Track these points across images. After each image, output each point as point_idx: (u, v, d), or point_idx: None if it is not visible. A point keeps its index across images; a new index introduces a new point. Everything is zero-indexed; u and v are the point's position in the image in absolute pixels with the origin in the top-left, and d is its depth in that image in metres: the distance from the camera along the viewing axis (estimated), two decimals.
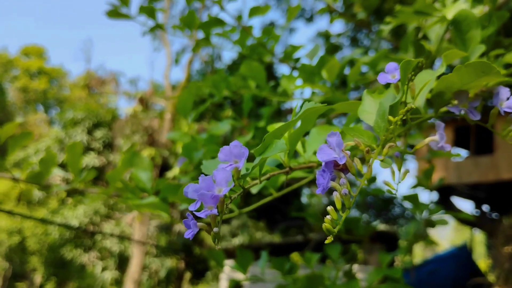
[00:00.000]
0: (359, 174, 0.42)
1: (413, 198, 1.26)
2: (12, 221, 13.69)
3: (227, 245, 8.42)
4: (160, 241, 10.44)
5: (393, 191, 0.45)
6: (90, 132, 11.50)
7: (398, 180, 0.45)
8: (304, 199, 13.53)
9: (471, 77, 0.40)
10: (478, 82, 0.41)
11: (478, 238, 15.74)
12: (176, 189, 0.74)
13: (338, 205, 0.42)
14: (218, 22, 1.13)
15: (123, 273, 9.98)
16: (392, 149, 0.41)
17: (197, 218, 0.46)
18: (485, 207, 12.39)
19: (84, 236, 10.19)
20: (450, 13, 0.71)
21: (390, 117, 0.42)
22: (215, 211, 0.45)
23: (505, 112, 0.41)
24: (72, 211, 9.77)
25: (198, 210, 0.46)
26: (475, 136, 11.46)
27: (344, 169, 0.43)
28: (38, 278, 13.83)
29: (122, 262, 10.28)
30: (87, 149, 11.28)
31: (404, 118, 0.40)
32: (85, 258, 10.21)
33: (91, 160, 10.72)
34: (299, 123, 0.48)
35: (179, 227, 9.10)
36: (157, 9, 1.43)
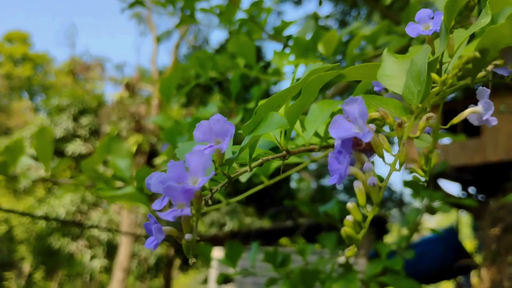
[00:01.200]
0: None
1: (413, 184, 1.19)
2: None
3: (217, 232, 8.38)
4: None
5: (422, 179, 0.36)
6: (76, 119, 11.29)
7: (427, 163, 0.36)
8: (293, 184, 13.55)
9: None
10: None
11: (464, 219, 15.97)
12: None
13: (362, 201, 0.32)
14: None
15: (112, 261, 9.92)
16: (431, 121, 0.32)
17: (164, 221, 0.33)
18: (472, 189, 12.55)
19: (71, 225, 10.07)
20: None
21: (435, 76, 0.32)
22: (187, 210, 0.33)
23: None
24: (59, 200, 9.62)
25: (164, 210, 0.33)
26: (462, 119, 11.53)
27: (368, 149, 0.32)
28: (26, 267, 13.71)
29: (111, 250, 10.21)
30: (73, 136, 11.08)
31: (459, 74, 0.31)
32: (73, 246, 10.11)
33: (77, 147, 10.53)
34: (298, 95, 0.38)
35: None
36: None
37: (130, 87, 11.53)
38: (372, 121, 0.34)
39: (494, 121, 0.33)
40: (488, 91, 0.33)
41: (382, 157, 0.31)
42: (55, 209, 9.32)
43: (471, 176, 11.87)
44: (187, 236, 0.34)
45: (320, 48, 0.85)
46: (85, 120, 11.18)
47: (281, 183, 11.39)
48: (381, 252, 1.10)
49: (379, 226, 8.04)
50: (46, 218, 8.78)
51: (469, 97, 11.61)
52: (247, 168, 0.39)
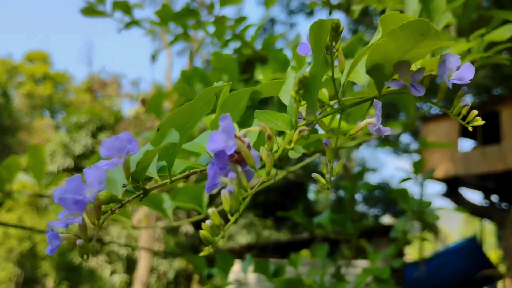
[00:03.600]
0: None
1: (401, 193, 1.18)
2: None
3: (233, 245, 8.37)
4: (168, 243, 10.42)
5: (325, 186, 0.38)
6: (94, 135, 11.51)
7: (329, 173, 0.37)
8: (311, 195, 13.46)
9: (409, 43, 0.33)
10: (419, 49, 0.34)
11: (489, 229, 15.57)
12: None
13: (226, 207, 0.33)
14: (190, 12, 1.06)
15: (131, 276, 9.99)
16: (303, 134, 0.34)
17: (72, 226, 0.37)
18: (495, 198, 12.25)
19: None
20: None
21: (321, 93, 0.34)
22: (79, 219, 0.36)
23: (453, 84, 0.34)
24: None
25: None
26: (482, 126, 11.32)
27: (241, 160, 0.34)
28: (50, 282, 13.91)
29: (130, 264, 10.29)
30: (92, 152, 11.28)
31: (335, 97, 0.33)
32: (94, 262, 10.23)
33: None
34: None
35: (185, 228, 9.09)
36: (133, 6, 1.38)
37: (146, 103, 11.71)
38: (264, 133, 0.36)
39: (386, 131, 0.35)
40: (380, 103, 0.34)
41: (253, 167, 0.33)
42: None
43: (493, 184, 11.61)
44: (78, 241, 0.37)
45: (292, 62, 0.87)
46: (103, 136, 11.40)
47: (298, 195, 11.32)
48: (372, 261, 1.10)
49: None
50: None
51: (484, 104, 11.39)
52: (167, 180, 0.42)
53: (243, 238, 9.02)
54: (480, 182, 11.63)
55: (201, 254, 0.31)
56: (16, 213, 13.28)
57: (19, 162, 0.94)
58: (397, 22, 0.31)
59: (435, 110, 14.35)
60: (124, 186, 0.42)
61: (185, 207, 0.72)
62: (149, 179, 0.44)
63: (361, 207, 13.83)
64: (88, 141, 11.19)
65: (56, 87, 25.06)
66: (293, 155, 0.37)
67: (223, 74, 0.96)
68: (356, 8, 1.04)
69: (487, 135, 11.48)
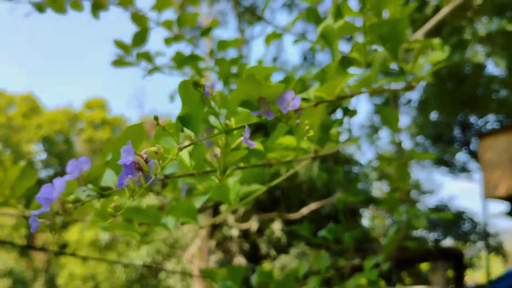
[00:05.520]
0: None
1: (390, 201, 1.21)
2: (86, 268, 14.43)
3: None
4: None
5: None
6: None
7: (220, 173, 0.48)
8: (365, 221, 13.10)
9: (254, 90, 0.43)
10: (264, 92, 0.43)
11: None
12: (139, 211, 0.79)
13: (127, 194, 0.48)
14: (195, 57, 1.20)
15: None
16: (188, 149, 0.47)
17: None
18: None
19: (148, 276, 10.49)
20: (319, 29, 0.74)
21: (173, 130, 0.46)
22: (47, 209, 0.53)
23: (288, 110, 0.43)
24: (136, 252, 10.14)
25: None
26: None
27: (140, 168, 0.49)
28: None
29: None
30: (148, 190, 11.71)
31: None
32: None
33: (151, 200, 11.12)
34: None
35: (238, 260, 9.15)
36: (155, 54, 1.54)
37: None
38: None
39: (253, 144, 0.43)
40: (247, 127, 0.43)
41: (148, 172, 0.46)
42: (133, 261, 9.83)
43: None
44: (47, 222, 0.54)
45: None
46: None
47: (350, 221, 11.09)
48: (365, 267, 1.13)
49: (454, 260, 7.48)
50: (128, 265, 9.28)
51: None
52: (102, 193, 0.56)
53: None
54: None
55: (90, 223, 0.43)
56: (81, 253, 13.94)
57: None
58: (262, 73, 0.41)
59: (491, 125, 13.68)
60: (84, 191, 0.58)
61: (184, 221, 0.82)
62: (109, 188, 0.58)
63: (419, 232, 13.26)
64: None
65: (114, 130, 26.51)
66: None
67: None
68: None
69: None
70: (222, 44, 1.15)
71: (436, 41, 0.79)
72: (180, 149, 0.44)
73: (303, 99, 0.64)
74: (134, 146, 0.48)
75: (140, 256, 9.90)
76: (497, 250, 12.08)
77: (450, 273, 8.49)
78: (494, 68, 12.26)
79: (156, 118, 0.47)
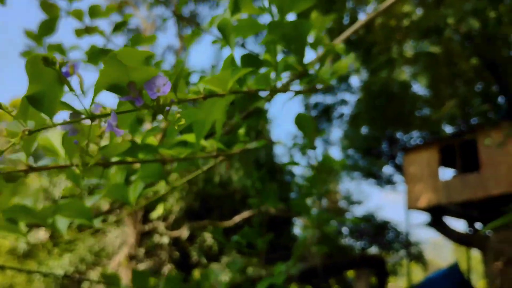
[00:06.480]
0: None
1: (302, 206, 1.23)
2: (3, 277, 13.41)
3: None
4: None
5: None
6: None
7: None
8: (297, 231, 13.35)
9: (121, 73, 0.41)
10: (133, 75, 0.41)
11: (478, 257, 15.51)
12: (23, 210, 0.72)
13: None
14: (108, 52, 1.16)
15: None
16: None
17: None
18: (478, 225, 12.29)
19: (70, 286, 9.94)
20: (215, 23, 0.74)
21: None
22: None
23: (157, 96, 0.42)
24: (58, 261, 9.57)
25: None
26: (460, 154, 11.51)
27: None
28: None
29: None
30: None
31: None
32: None
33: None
34: None
35: (168, 268, 8.93)
36: (69, 48, 1.46)
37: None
38: None
39: (120, 132, 0.41)
40: (114, 114, 0.41)
41: None
42: (53, 271, 9.26)
43: (476, 211, 11.67)
44: None
45: None
46: None
47: (283, 230, 11.24)
48: (275, 271, 1.15)
49: (377, 267, 7.82)
50: (47, 274, 8.71)
51: (462, 133, 11.61)
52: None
53: (226, 277, 8.86)
54: (463, 210, 11.70)
55: None
56: None
57: None
58: (128, 56, 0.39)
59: (415, 141, 14.55)
60: None
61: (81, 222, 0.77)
62: None
63: (347, 241, 13.71)
64: None
65: None
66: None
67: None
68: None
69: (466, 164, 11.66)
70: (136, 40, 1.11)
71: (340, 45, 0.82)
72: (28, 132, 0.40)
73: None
74: None
75: (61, 265, 9.36)
76: (418, 258, 12.80)
77: (374, 280, 8.86)
78: (419, 87, 13.10)
79: None
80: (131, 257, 8.40)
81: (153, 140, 0.63)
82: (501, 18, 7.28)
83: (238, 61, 0.76)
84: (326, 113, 14.11)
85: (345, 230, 13.06)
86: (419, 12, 8.44)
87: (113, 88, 0.43)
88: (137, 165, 0.77)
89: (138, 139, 0.64)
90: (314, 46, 0.90)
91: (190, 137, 0.73)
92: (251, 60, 0.76)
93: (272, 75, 0.77)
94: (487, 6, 6.95)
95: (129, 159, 0.62)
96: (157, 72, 0.42)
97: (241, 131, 0.90)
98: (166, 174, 0.87)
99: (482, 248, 9.30)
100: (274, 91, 0.68)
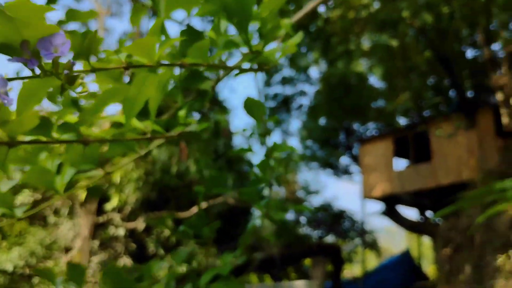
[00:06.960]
0: None
1: (250, 194, 1.20)
2: None
3: None
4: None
5: None
6: None
7: None
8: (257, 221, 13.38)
9: (10, 29, 0.35)
10: (26, 33, 0.36)
11: (429, 244, 16.18)
12: None
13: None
14: None
15: None
16: None
17: None
18: (429, 213, 12.78)
19: (20, 281, 9.54)
20: None
21: None
22: None
23: (53, 57, 0.36)
24: (7, 255, 9.14)
25: None
26: (413, 145, 11.90)
27: None
28: None
29: None
30: None
31: None
32: None
33: None
34: None
35: (123, 260, 8.73)
36: None
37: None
38: None
39: (7, 101, 0.35)
40: (2, 78, 0.35)
41: None
42: (1, 265, 8.84)
43: (428, 200, 12.12)
44: None
45: None
46: None
47: (239, 220, 11.26)
48: (222, 261, 1.12)
49: (333, 255, 7.99)
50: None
51: (415, 125, 11.98)
52: None
53: (184, 268, 8.77)
54: (415, 199, 12.12)
55: None
56: None
57: None
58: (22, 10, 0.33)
59: (371, 132, 14.90)
60: None
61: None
62: None
63: (305, 230, 13.91)
64: None
65: None
66: None
67: None
68: None
69: (419, 154, 12.06)
70: (72, 14, 1.03)
71: (287, 21, 0.77)
72: None
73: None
74: None
75: (11, 259, 8.95)
76: (372, 246, 13.19)
77: (330, 267, 9.05)
78: (375, 80, 13.40)
79: None
80: (85, 250, 8.15)
81: (71, 117, 0.56)
82: (454, 13, 7.53)
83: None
84: (285, 103, 14.17)
85: (302, 219, 13.25)
86: (376, 5, 8.58)
87: (3, 48, 0.36)
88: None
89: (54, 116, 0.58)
90: (262, 23, 0.86)
91: (119, 118, 0.67)
92: (190, 33, 0.71)
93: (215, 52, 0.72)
94: (440, 1, 7.16)
95: (43, 138, 0.55)
96: (56, 30, 0.36)
97: (182, 113, 0.84)
98: (102, 160, 0.80)
99: (432, 235, 9.69)
100: (211, 67, 0.63)
